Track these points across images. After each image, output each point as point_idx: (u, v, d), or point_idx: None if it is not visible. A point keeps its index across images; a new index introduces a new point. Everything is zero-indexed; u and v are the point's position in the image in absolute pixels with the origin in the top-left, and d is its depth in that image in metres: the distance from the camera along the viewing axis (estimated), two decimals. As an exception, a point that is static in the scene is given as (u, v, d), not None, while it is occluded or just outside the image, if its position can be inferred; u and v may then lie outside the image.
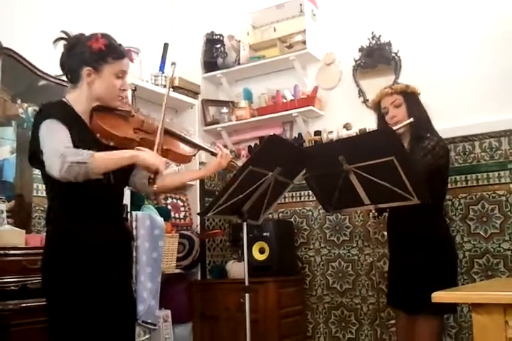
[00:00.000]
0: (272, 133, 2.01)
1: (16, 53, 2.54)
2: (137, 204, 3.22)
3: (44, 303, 1.84)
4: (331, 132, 3.67)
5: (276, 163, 2.06)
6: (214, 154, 2.15)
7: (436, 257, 2.40)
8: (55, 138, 1.66)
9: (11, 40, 2.51)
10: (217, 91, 4.28)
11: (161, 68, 3.58)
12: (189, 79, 3.87)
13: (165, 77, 3.58)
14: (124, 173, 1.89)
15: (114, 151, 1.73)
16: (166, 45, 3.58)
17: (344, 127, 3.64)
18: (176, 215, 3.74)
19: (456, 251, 2.60)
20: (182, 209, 3.82)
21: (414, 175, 2.15)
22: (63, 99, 1.84)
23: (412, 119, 2.50)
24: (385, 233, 2.82)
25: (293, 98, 3.83)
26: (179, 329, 3.49)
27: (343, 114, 3.72)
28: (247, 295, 2.10)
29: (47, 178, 1.76)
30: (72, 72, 1.83)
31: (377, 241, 3.38)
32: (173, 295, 3.46)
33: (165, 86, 3.56)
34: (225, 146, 3.64)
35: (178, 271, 3.48)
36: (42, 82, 2.73)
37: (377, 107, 2.68)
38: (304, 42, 3.80)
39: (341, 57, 3.82)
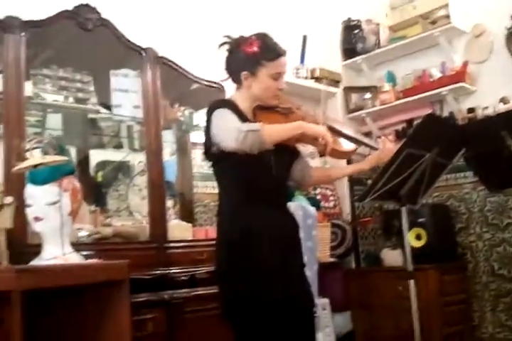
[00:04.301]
0: (428, 112, 1.92)
1: (171, 61, 2.71)
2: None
3: (213, 291, 1.91)
4: (486, 108, 3.48)
5: (434, 143, 1.98)
6: (375, 149, 2.07)
7: None
8: (227, 119, 1.75)
9: (163, 48, 2.70)
10: (358, 77, 4.24)
11: (302, 60, 3.63)
12: (329, 68, 3.88)
13: (306, 69, 3.63)
14: (285, 165, 1.94)
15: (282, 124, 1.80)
16: (304, 37, 3.64)
17: (501, 101, 3.40)
18: (326, 204, 3.77)
19: None
20: (331, 198, 3.84)
21: None
22: (228, 98, 1.95)
23: None
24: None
25: (441, 75, 3.69)
26: (338, 318, 3.52)
27: (498, 87, 3.49)
28: (411, 281, 2.04)
29: (218, 171, 1.89)
30: (233, 75, 1.92)
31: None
32: (329, 283, 3.49)
33: (306, 77, 3.65)
34: (378, 137, 3.56)
35: (332, 259, 3.49)
36: (195, 86, 2.88)
37: None
38: (448, 17, 3.64)
39: (491, 27, 3.57)
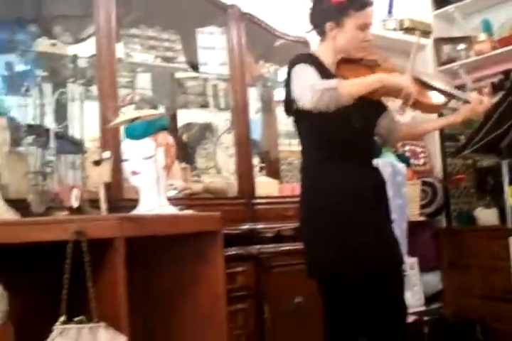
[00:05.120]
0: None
1: (255, 17, 2.69)
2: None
3: (298, 247, 1.91)
4: None
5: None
6: (467, 102, 1.93)
7: None
8: (305, 76, 1.72)
9: (247, 4, 2.67)
10: (451, 27, 4.01)
11: (390, 11, 3.50)
12: (419, 19, 3.70)
13: (394, 20, 3.49)
14: (368, 118, 1.89)
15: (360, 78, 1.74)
16: (392, -12, 3.47)
17: None
18: (415, 162, 3.67)
19: None
20: (421, 155, 3.73)
21: None
22: (311, 52, 1.92)
23: None
24: None
25: (542, 21, 3.40)
26: (427, 277, 3.47)
27: None
28: (511, 238, 1.94)
29: (299, 126, 1.88)
30: (318, 27, 1.89)
31: None
32: (419, 242, 3.43)
33: (394, 29, 3.51)
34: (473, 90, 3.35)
35: (422, 218, 3.42)
36: (279, 42, 2.86)
37: None
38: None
39: None
